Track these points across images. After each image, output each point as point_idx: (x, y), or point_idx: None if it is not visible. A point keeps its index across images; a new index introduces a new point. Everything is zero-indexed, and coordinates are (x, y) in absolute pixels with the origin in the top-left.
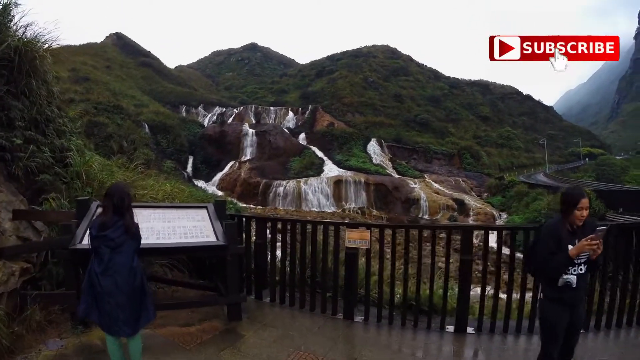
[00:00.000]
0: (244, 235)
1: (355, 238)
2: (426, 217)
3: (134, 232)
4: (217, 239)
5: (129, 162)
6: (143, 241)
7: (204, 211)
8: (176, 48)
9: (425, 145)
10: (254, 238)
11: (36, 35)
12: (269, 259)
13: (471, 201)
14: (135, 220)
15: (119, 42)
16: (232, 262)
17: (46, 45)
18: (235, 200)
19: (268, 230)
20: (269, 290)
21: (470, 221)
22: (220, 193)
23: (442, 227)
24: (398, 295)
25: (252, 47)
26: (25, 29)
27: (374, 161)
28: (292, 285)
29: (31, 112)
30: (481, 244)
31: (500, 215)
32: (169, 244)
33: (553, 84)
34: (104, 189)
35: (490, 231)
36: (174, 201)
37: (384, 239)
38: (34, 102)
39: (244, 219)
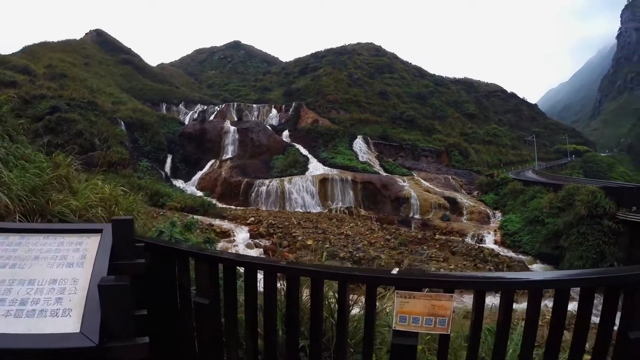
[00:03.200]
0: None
1: (416, 313)
2: (417, 216)
3: None
4: (82, 327)
5: (64, 157)
6: None
7: (94, 239)
8: (159, 46)
9: (413, 143)
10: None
11: None
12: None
13: (463, 199)
14: None
15: (99, 39)
16: None
17: None
18: (214, 201)
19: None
20: None
21: (464, 220)
22: (199, 193)
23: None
24: None
25: (235, 45)
26: None
27: (360, 159)
28: None
29: None
30: (477, 244)
31: (494, 214)
32: None
33: (535, 82)
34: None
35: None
36: (110, 211)
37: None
38: None
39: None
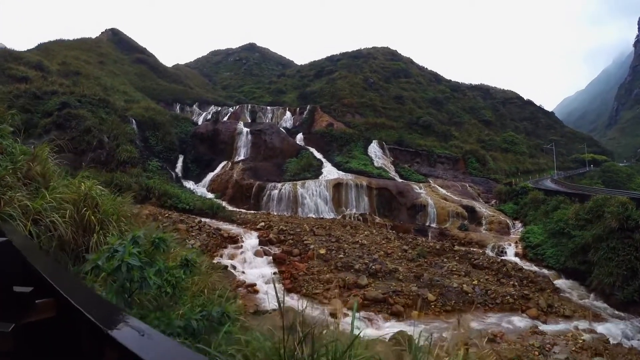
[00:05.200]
0: None
1: None
2: (434, 225)
3: None
4: None
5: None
6: None
7: None
8: (174, 47)
9: (429, 149)
10: None
11: None
12: None
13: (482, 208)
14: None
15: (114, 38)
16: None
17: None
18: (224, 204)
19: None
20: None
21: (483, 231)
22: (210, 195)
23: None
24: None
25: (251, 47)
26: None
27: (375, 164)
28: None
29: None
30: (498, 256)
31: (514, 224)
32: None
33: (550, 90)
34: None
35: None
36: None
37: None
38: None
39: None
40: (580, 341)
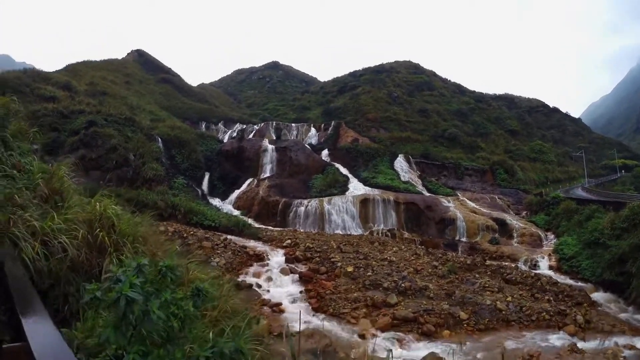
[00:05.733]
0: None
1: None
2: (464, 239)
3: None
4: None
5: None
6: None
7: None
8: (199, 67)
9: (456, 161)
10: None
11: None
12: None
13: (513, 221)
14: None
15: (140, 59)
16: None
17: None
18: (250, 221)
19: None
20: None
21: (515, 244)
22: (236, 212)
23: None
24: None
25: (274, 66)
26: None
27: (402, 178)
28: None
29: None
30: (531, 270)
31: (546, 236)
32: None
33: (576, 97)
34: None
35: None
36: (94, 235)
37: None
38: None
39: None
40: (621, 358)
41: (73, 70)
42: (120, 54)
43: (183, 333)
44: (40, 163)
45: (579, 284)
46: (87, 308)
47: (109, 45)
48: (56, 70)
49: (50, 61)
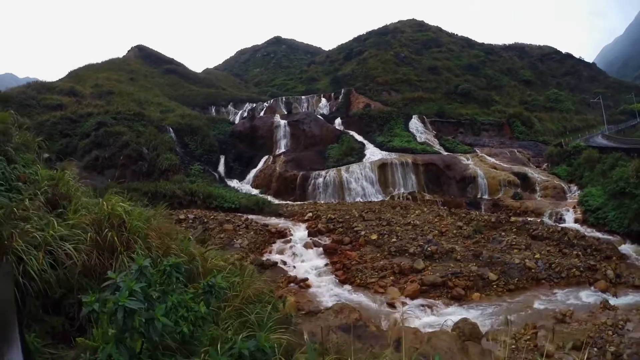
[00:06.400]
0: None
1: None
2: (486, 196)
3: None
4: None
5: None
6: None
7: None
8: (201, 53)
9: (471, 117)
10: None
11: None
12: None
13: (534, 174)
14: None
15: (141, 54)
16: None
17: None
18: (270, 198)
19: None
20: None
21: (538, 198)
22: (255, 191)
23: None
24: None
25: (277, 41)
26: None
27: (418, 139)
28: None
29: None
30: (557, 224)
31: (570, 187)
32: None
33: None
34: None
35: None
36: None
37: None
38: None
39: None
40: None
41: (76, 75)
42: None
43: (196, 337)
44: (47, 171)
45: (606, 236)
46: (88, 321)
47: (109, 46)
48: (60, 79)
49: (52, 71)
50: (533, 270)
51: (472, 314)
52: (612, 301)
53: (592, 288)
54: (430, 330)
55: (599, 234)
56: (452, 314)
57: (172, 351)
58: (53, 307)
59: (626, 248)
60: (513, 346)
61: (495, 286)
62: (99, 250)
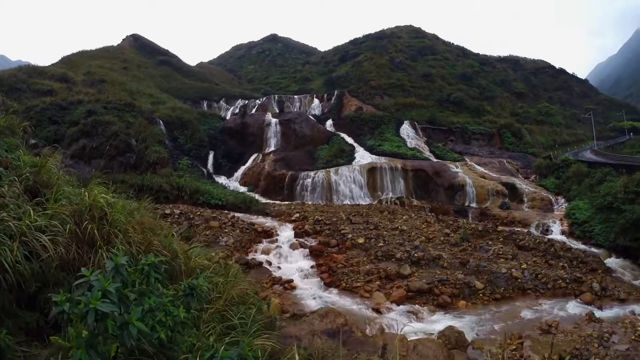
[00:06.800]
0: None
1: None
2: (474, 205)
3: None
4: None
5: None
6: None
7: None
8: (197, 46)
9: (462, 126)
10: None
11: None
12: None
13: (522, 185)
14: None
15: (136, 44)
16: None
17: None
18: (257, 197)
19: None
20: None
21: (525, 208)
22: (242, 189)
23: None
24: None
25: (273, 39)
26: None
27: (408, 145)
28: None
29: None
30: (544, 235)
31: (557, 200)
32: None
33: (581, 58)
34: None
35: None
36: (83, 227)
37: None
38: None
39: None
40: (639, 327)
41: (69, 62)
42: (115, 40)
43: (175, 341)
44: (31, 157)
45: (592, 249)
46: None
47: (104, 33)
48: (52, 64)
49: (46, 56)
50: (519, 280)
51: (458, 322)
52: (598, 314)
53: (578, 300)
54: (415, 337)
55: (585, 247)
56: (439, 321)
57: (149, 356)
58: (27, 302)
59: (612, 262)
60: (499, 356)
61: (481, 295)
62: (78, 243)
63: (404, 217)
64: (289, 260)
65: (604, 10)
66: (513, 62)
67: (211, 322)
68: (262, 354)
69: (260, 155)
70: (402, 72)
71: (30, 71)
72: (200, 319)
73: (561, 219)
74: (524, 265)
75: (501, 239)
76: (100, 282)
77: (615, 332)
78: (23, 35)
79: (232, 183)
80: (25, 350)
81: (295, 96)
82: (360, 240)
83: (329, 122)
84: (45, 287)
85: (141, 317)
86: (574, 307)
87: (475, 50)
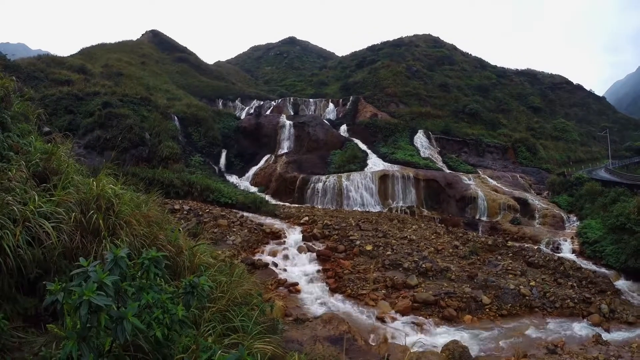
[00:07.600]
0: None
1: None
2: (484, 218)
3: None
4: None
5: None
6: None
7: None
8: (215, 45)
9: (477, 137)
10: None
11: None
12: None
13: (535, 201)
14: None
15: (155, 39)
16: None
17: None
18: (268, 198)
19: None
20: None
21: (537, 225)
22: (253, 189)
23: None
24: None
25: (291, 41)
26: None
27: (422, 154)
28: None
29: None
30: (554, 253)
31: (569, 218)
32: None
33: (600, 74)
34: None
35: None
36: (88, 217)
37: None
38: None
39: None
40: None
41: (88, 53)
42: (134, 35)
43: (171, 340)
44: (42, 144)
45: (602, 270)
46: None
47: (123, 27)
48: (71, 55)
49: (65, 46)
50: (527, 297)
51: (462, 336)
52: (605, 336)
53: (586, 321)
54: (418, 349)
55: (595, 267)
56: (443, 335)
57: (144, 353)
58: (28, 288)
59: (621, 283)
60: None
61: (487, 310)
62: (82, 232)
63: (413, 227)
64: (296, 263)
65: (619, 26)
66: (530, 76)
67: (212, 322)
68: (262, 358)
69: (273, 156)
70: (418, 81)
71: (49, 61)
72: (200, 318)
73: (572, 238)
74: (533, 283)
75: (510, 255)
76: (98, 274)
77: (622, 356)
78: (44, 24)
79: (243, 183)
80: (21, 337)
81: (311, 99)
82: (369, 248)
83: (343, 127)
84: (47, 274)
85: (138, 312)
86: (581, 328)
87: (492, 62)
